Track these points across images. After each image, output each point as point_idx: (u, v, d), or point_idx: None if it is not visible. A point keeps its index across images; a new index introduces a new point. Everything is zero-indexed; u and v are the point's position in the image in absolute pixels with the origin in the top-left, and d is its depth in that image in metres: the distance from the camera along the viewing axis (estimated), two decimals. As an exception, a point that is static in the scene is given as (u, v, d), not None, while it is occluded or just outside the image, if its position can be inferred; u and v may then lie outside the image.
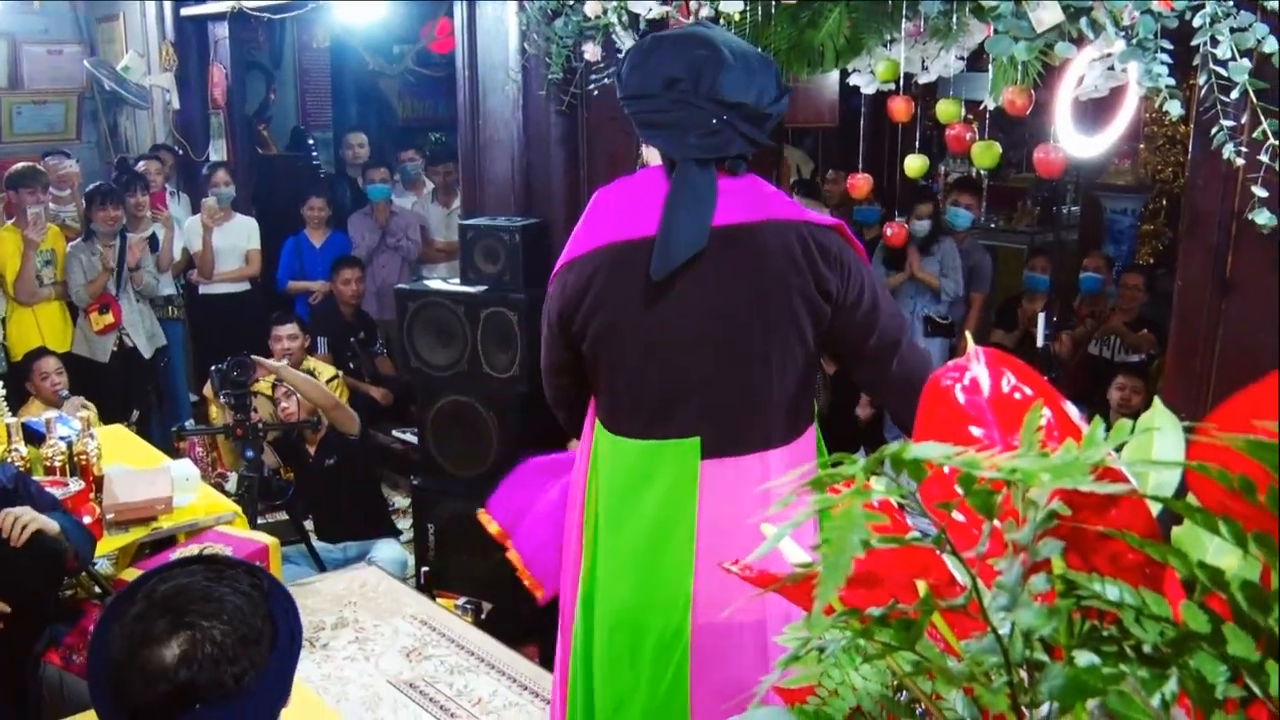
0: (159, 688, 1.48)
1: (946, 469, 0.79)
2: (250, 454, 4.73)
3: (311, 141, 8.29)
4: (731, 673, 2.17)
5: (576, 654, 2.31)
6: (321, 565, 4.81)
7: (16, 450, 3.65)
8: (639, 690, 2.19)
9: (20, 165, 6.19)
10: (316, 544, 4.97)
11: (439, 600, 4.43)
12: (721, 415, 2.12)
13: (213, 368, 4.83)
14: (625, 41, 3.89)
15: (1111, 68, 2.77)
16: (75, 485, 3.52)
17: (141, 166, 6.85)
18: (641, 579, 2.16)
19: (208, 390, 5.22)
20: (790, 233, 2.09)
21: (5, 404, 4.15)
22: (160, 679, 1.48)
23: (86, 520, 3.47)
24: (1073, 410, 0.94)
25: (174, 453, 4.74)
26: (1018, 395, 0.98)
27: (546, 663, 3.62)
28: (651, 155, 2.16)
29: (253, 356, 4.75)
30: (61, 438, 3.76)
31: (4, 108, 8.10)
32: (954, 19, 2.99)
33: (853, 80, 3.42)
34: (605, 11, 3.83)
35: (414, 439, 5.24)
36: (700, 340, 2.08)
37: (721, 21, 3.54)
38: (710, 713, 2.17)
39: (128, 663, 1.49)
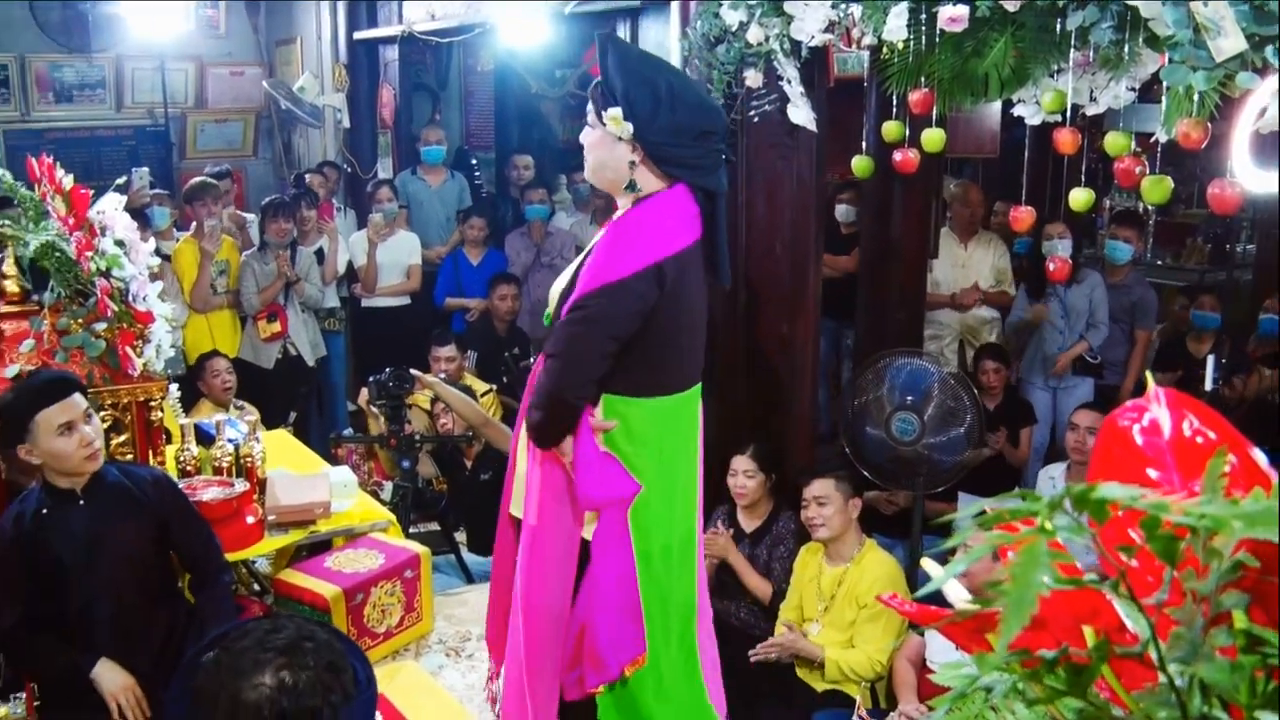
0: (264, 714, 1.48)
1: (1122, 511, 0.77)
2: (406, 464, 4.85)
3: (474, 161, 8.48)
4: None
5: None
6: (470, 577, 4.89)
7: (189, 450, 3.83)
8: (682, 588, 2.85)
9: (195, 180, 6.51)
10: (467, 555, 5.06)
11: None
12: (700, 361, 2.84)
13: (370, 378, 4.95)
14: (787, 69, 3.88)
15: (1297, 100, 2.65)
16: (240, 486, 3.67)
17: (306, 180, 7.14)
18: (685, 498, 2.83)
19: (362, 398, 5.36)
20: None
21: (179, 405, 4.35)
22: (265, 705, 1.49)
23: (249, 520, 3.62)
24: (1261, 457, 0.90)
25: (332, 459, 4.89)
26: (1200, 439, 0.94)
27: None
28: (648, 182, 2.64)
29: (412, 371, 4.87)
30: (229, 440, 3.93)
31: (190, 125, 8.54)
32: (1126, 49, 2.90)
33: (1017, 110, 3.34)
34: (767, 39, 3.83)
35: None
36: (705, 309, 2.81)
37: (884, 51, 3.51)
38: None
39: (227, 696, 1.49)
